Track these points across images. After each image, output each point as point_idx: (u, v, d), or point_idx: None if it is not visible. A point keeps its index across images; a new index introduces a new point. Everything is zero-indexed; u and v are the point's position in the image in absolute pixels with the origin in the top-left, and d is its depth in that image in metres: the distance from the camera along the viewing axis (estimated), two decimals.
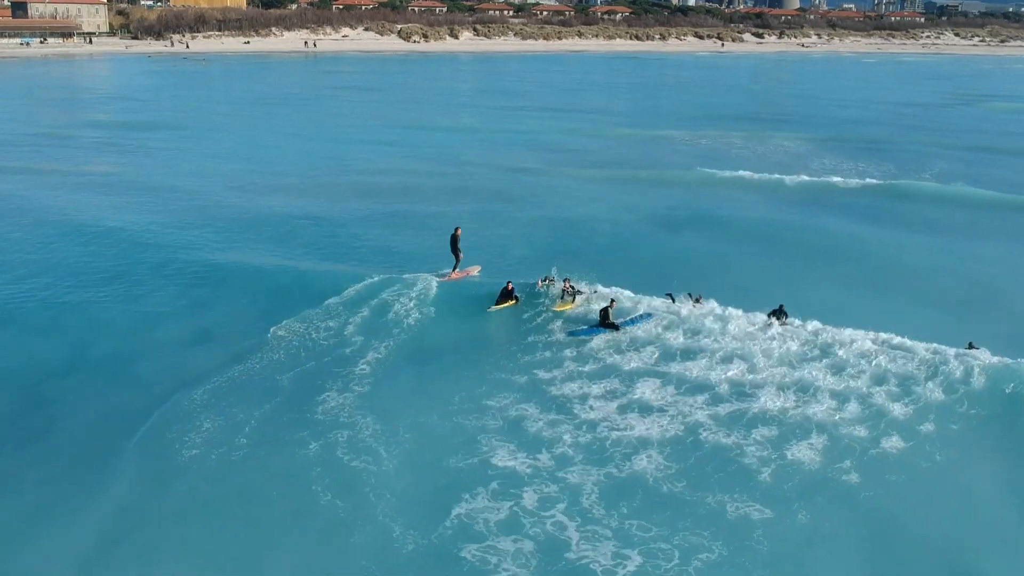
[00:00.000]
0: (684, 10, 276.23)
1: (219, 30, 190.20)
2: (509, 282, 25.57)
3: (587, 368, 21.99)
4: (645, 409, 19.97)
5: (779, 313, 24.20)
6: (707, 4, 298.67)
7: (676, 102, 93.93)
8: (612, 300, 24.21)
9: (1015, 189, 45.75)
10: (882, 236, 36.45)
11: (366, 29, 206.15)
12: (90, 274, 29.17)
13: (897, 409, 20.02)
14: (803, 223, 38.53)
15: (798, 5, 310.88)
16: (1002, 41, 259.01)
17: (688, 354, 22.66)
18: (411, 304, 25.54)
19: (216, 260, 30.77)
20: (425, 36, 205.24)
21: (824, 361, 22.19)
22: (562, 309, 24.92)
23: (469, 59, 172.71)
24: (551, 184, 46.72)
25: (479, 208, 39.83)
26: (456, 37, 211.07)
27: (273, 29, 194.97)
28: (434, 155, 55.69)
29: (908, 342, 22.90)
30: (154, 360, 22.38)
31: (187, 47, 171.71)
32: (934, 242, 36.10)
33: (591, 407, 20.03)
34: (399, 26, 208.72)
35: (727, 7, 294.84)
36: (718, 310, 24.62)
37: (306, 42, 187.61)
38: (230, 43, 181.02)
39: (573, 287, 25.43)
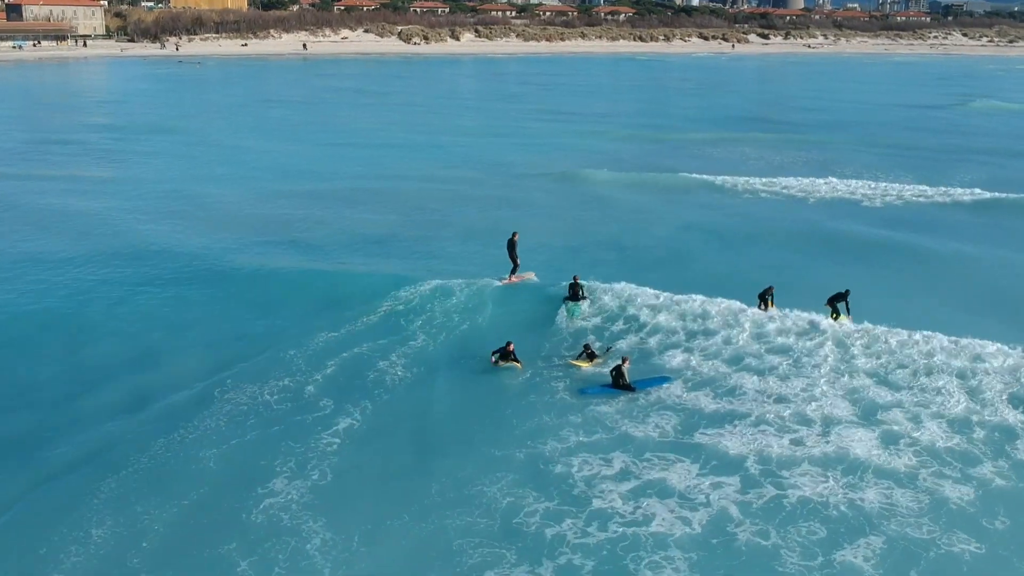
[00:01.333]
0: (688, 10, 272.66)
1: (216, 32, 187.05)
2: (510, 342, 21.96)
3: (595, 438, 18.69)
4: (664, 494, 16.68)
5: (839, 299, 23.89)
6: (711, 4, 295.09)
7: (688, 106, 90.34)
8: (625, 358, 20.86)
9: None
10: (922, 242, 34.70)
11: (366, 31, 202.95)
12: (36, 312, 25.80)
13: (961, 493, 16.80)
14: (836, 230, 36.63)
15: (802, 5, 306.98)
16: (1010, 41, 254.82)
17: (714, 420, 19.35)
18: (399, 360, 22.41)
19: (189, 285, 27.91)
20: (426, 38, 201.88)
21: (877, 430, 18.98)
22: (576, 365, 21.77)
23: (471, 61, 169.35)
24: (564, 189, 44.62)
25: (494, 214, 37.42)
26: (457, 38, 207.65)
27: (271, 31, 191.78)
28: (442, 159, 53.45)
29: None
30: (74, 436, 18.32)
31: (176, 49, 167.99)
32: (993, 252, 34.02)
33: (600, 491, 16.73)
34: (399, 28, 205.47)
35: (731, 7, 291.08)
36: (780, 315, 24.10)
37: (305, 44, 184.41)
38: (227, 45, 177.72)
39: (592, 350, 22.32)
